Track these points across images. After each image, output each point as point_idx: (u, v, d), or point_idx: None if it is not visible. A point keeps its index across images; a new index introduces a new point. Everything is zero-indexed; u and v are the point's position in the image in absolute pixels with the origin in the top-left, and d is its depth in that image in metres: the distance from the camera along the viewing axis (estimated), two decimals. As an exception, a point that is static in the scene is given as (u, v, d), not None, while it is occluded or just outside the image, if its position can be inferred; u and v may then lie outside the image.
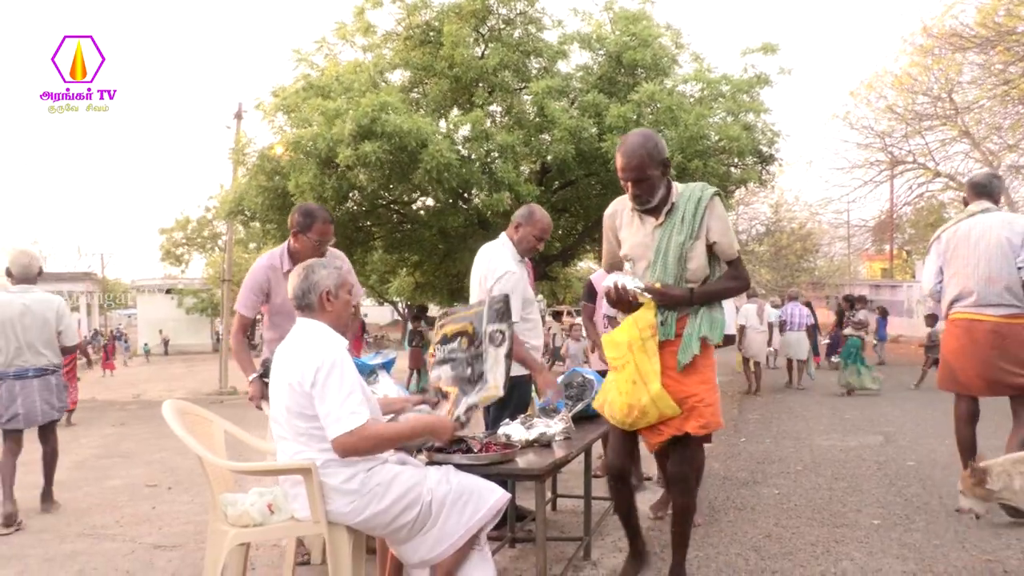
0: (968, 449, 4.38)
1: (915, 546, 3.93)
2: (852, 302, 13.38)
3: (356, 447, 2.55)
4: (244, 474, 2.98)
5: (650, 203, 3.17)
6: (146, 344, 36.23)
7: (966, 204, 4.56)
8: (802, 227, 36.49)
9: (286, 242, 4.06)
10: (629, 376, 3.09)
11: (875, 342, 17.04)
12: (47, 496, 5.34)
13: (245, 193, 12.63)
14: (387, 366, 3.75)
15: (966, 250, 4.31)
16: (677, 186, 3.24)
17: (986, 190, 4.47)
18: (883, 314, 18.17)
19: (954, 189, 22.78)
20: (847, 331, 12.19)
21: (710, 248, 3.15)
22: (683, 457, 3.21)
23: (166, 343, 37.24)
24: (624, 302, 3.15)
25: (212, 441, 3.15)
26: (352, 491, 2.63)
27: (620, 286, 3.14)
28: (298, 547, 3.53)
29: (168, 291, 39.40)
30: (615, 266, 3.45)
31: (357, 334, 11.40)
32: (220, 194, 29.60)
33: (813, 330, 13.55)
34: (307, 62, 13.03)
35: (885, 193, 26.29)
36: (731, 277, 3.18)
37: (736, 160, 12.21)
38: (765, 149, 12.47)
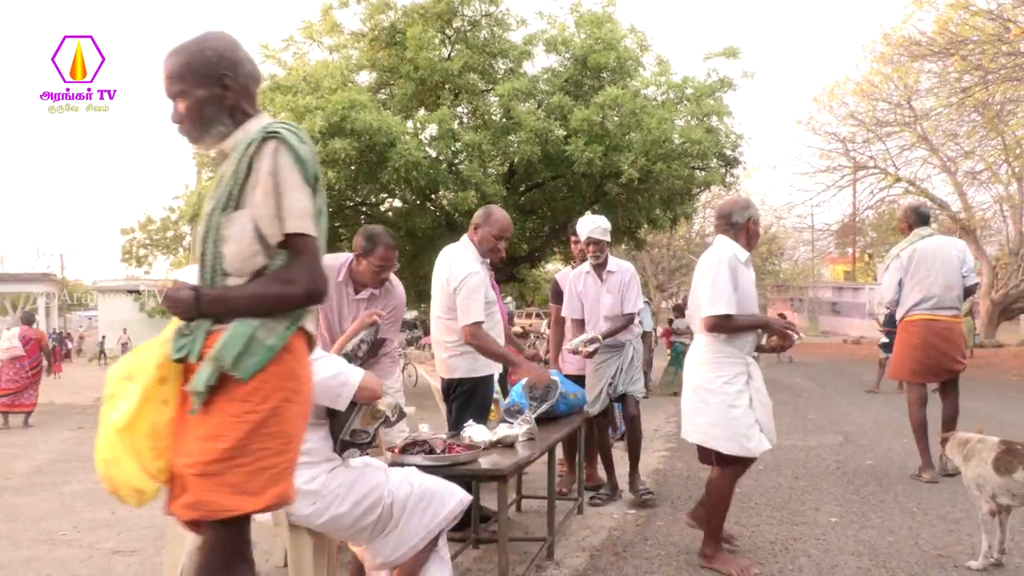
0: (921, 428, 5.44)
1: (870, 543, 4.02)
2: (681, 311, 13.38)
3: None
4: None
5: (193, 132, 2.09)
6: (102, 341, 35.27)
7: (910, 228, 5.56)
8: (767, 231, 37.01)
9: (347, 259, 3.89)
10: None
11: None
12: None
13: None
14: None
15: (927, 264, 5.36)
16: (254, 123, 2.08)
17: (926, 218, 5.65)
18: None
19: (913, 194, 23.29)
20: (672, 338, 12.96)
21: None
22: (206, 548, 1.98)
23: (124, 346, 36.44)
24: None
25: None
26: (313, 492, 2.61)
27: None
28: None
29: (131, 292, 38.65)
30: None
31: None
32: (185, 194, 29.20)
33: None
34: (275, 59, 12.92)
35: (848, 197, 26.84)
36: (276, 277, 1.95)
37: (700, 163, 12.35)
38: (729, 152, 12.64)
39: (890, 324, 13.10)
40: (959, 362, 5.43)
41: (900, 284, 5.47)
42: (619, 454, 5.50)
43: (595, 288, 5.09)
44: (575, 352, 4.92)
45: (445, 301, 4.00)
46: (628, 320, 5.05)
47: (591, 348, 4.83)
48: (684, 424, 3.76)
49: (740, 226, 3.75)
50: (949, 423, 5.21)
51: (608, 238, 5.08)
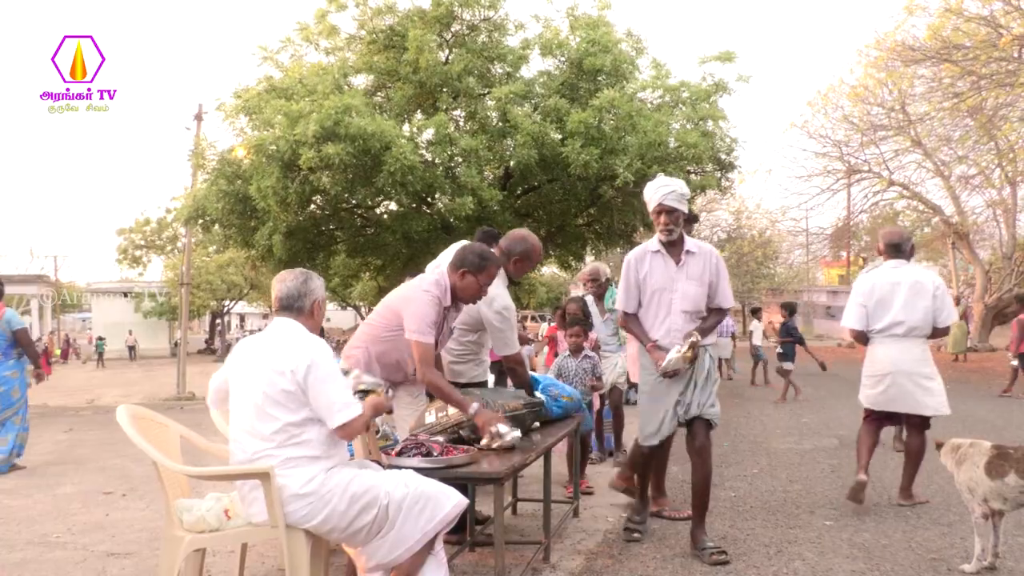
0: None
1: (864, 546, 4.04)
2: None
3: (355, 431, 2.77)
4: (201, 479, 2.95)
5: None
6: (99, 342, 35.15)
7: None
8: (762, 235, 37.08)
9: (441, 274, 3.78)
10: None
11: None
12: None
13: (205, 198, 12.46)
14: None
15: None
16: None
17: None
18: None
19: (907, 198, 23.40)
20: None
21: None
22: None
23: (131, 348, 36.23)
24: None
25: (167, 446, 3.10)
26: (309, 493, 2.63)
27: None
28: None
29: (126, 294, 38.58)
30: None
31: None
32: (181, 196, 29.15)
33: (733, 336, 16.37)
34: (272, 61, 12.93)
35: (842, 201, 26.91)
36: None
37: (695, 167, 12.39)
38: (724, 156, 12.69)
39: None
40: None
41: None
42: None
43: (667, 273, 4.04)
44: (670, 374, 3.90)
45: (462, 317, 4.07)
46: (721, 317, 4.19)
47: (686, 356, 3.84)
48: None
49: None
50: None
51: (685, 208, 4.02)
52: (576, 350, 5.55)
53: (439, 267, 3.97)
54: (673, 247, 4.05)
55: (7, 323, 6.95)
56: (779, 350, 11.61)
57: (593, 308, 6.40)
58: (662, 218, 3.96)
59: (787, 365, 11.34)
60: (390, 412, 3.54)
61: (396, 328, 3.67)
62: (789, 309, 12.04)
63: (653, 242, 4.09)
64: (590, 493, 5.31)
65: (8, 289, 8.09)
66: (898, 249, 5.02)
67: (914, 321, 4.81)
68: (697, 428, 3.99)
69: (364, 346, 3.76)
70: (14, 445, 7.01)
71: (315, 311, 2.92)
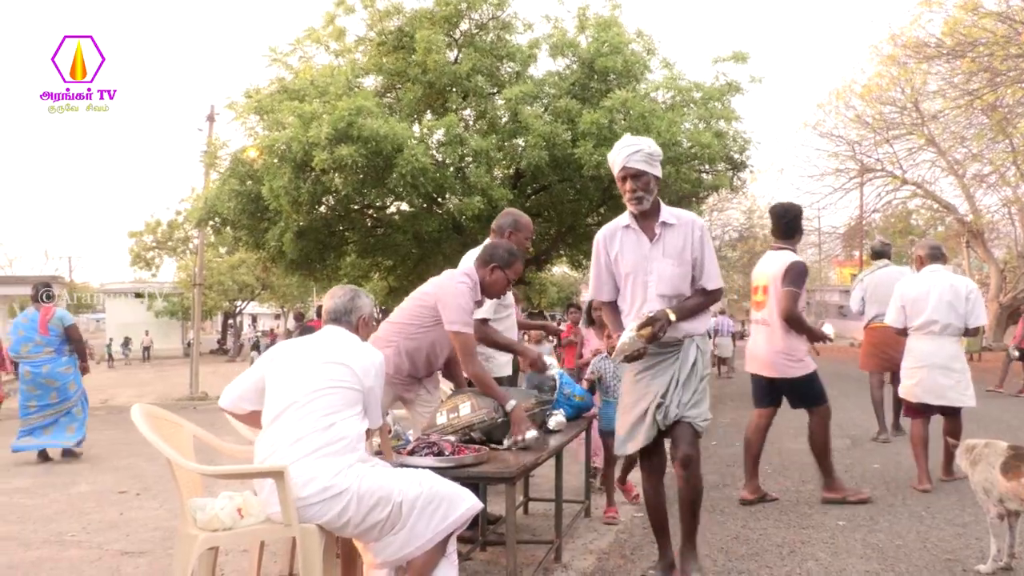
0: (880, 404, 7.45)
1: (878, 546, 4.01)
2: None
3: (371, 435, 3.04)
4: (214, 478, 2.96)
5: None
6: (109, 343, 35.40)
7: (874, 259, 7.70)
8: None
9: (470, 271, 3.79)
10: None
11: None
12: None
13: (217, 198, 12.51)
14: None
15: (881, 288, 7.04)
16: None
17: (884, 252, 7.70)
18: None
19: (921, 196, 23.23)
20: None
21: None
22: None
23: (146, 349, 36.42)
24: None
25: (181, 445, 3.12)
26: (323, 490, 2.64)
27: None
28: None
29: (138, 295, 38.81)
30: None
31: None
32: (192, 196, 29.31)
33: (735, 336, 17.70)
34: (282, 63, 12.97)
35: (854, 200, 26.76)
36: None
37: (708, 167, 12.35)
38: (736, 156, 12.65)
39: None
40: (896, 360, 6.06)
41: (863, 301, 7.46)
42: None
43: (639, 251, 3.40)
44: (628, 358, 3.28)
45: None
46: (708, 300, 3.47)
47: (641, 334, 3.22)
48: None
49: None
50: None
51: (658, 170, 3.37)
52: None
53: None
54: (647, 220, 3.40)
55: (60, 320, 7.50)
56: None
57: None
58: (628, 184, 3.33)
59: None
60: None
61: (430, 323, 3.70)
62: None
63: (625, 216, 3.46)
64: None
65: (24, 290, 8.77)
66: (937, 256, 5.61)
67: (948, 320, 5.29)
68: (679, 435, 3.35)
69: (395, 343, 3.75)
70: (83, 433, 7.71)
71: (360, 327, 3.11)
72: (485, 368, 3.68)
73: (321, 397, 2.76)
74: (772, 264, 5.04)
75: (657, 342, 3.26)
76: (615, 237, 3.48)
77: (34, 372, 7.46)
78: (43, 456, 7.51)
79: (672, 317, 3.27)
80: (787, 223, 5.11)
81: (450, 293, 3.63)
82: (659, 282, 3.37)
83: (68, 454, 7.63)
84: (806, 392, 5.09)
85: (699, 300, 3.42)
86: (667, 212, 3.39)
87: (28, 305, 7.87)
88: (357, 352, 2.92)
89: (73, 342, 7.68)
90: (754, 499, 5.00)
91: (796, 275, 4.85)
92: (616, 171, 3.37)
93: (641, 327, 3.22)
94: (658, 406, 3.35)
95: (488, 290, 3.80)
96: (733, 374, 16.56)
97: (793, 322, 4.85)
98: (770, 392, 5.19)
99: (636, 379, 3.46)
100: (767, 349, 5.02)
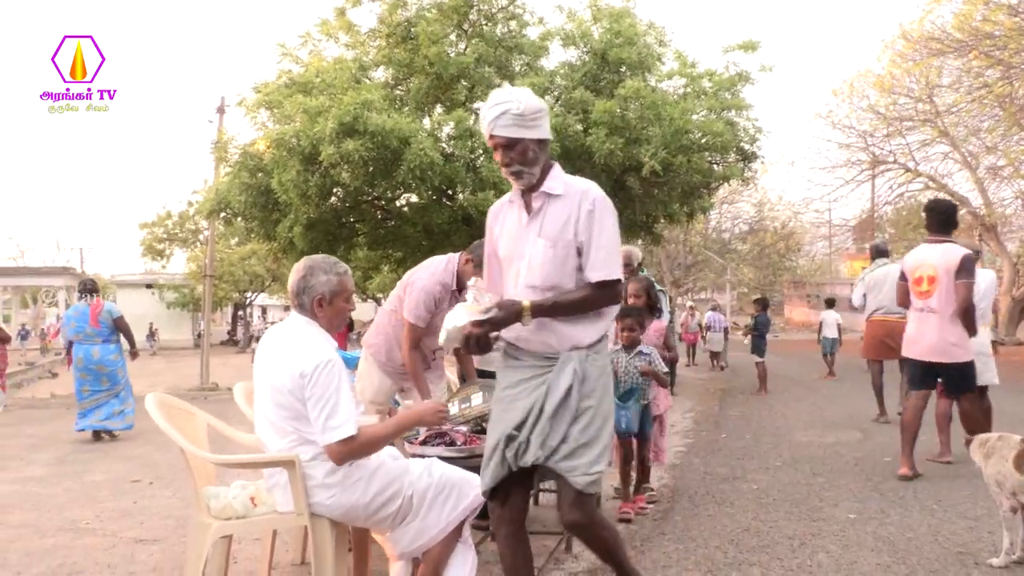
0: (880, 390, 8.31)
1: (889, 539, 4.00)
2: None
3: (350, 453, 2.58)
4: (227, 467, 2.98)
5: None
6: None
7: (873, 258, 8.33)
8: (784, 226, 36.70)
9: (452, 259, 3.98)
10: None
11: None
12: None
13: (228, 191, 12.55)
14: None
15: (882, 284, 7.71)
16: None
17: (884, 251, 8.37)
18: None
19: (934, 189, 23.05)
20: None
21: None
22: None
23: (152, 334, 36.61)
24: None
25: (195, 435, 3.15)
26: (334, 484, 2.65)
27: None
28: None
29: (148, 286, 39.05)
30: None
31: (343, 331, 11.37)
32: (203, 189, 29.41)
33: (726, 331, 17.83)
34: (291, 56, 12.97)
35: (866, 193, 26.67)
36: None
37: (719, 157, 12.30)
38: (747, 147, 12.58)
39: None
40: (895, 349, 6.51)
41: (864, 296, 8.01)
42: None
43: (516, 231, 2.64)
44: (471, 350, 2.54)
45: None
46: (597, 297, 2.54)
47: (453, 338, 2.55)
48: None
49: None
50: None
51: (539, 132, 2.54)
52: (631, 345, 4.46)
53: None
54: (527, 193, 2.61)
55: (108, 313, 8.20)
56: (746, 342, 12.63)
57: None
58: (499, 156, 2.56)
59: (758, 358, 11.78)
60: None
61: None
62: (762, 304, 12.55)
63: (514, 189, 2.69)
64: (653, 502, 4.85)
65: (35, 281, 9.23)
66: (976, 257, 5.82)
67: (981, 309, 5.83)
68: (559, 491, 2.58)
69: (385, 333, 3.83)
70: (131, 421, 8.22)
71: (316, 308, 2.67)
72: (419, 361, 3.96)
73: (279, 408, 2.64)
74: (939, 255, 5.27)
75: (512, 344, 2.58)
76: (499, 214, 2.74)
77: (86, 359, 8.09)
78: (96, 435, 8.11)
79: (525, 304, 2.45)
80: (943, 218, 5.42)
81: (417, 287, 3.90)
82: (528, 270, 2.55)
83: (107, 433, 8.20)
84: (967, 376, 5.32)
85: (582, 295, 2.52)
86: (555, 180, 2.58)
87: (38, 295, 8.25)
88: (290, 367, 2.57)
89: (122, 331, 8.32)
90: (912, 475, 5.30)
91: (972, 267, 5.22)
92: (485, 132, 2.58)
93: (474, 305, 2.55)
94: (508, 439, 2.51)
95: (461, 280, 3.94)
96: (727, 365, 16.89)
97: (969, 312, 5.16)
98: (929, 376, 5.45)
99: (502, 394, 2.63)
100: (937, 336, 5.24)
